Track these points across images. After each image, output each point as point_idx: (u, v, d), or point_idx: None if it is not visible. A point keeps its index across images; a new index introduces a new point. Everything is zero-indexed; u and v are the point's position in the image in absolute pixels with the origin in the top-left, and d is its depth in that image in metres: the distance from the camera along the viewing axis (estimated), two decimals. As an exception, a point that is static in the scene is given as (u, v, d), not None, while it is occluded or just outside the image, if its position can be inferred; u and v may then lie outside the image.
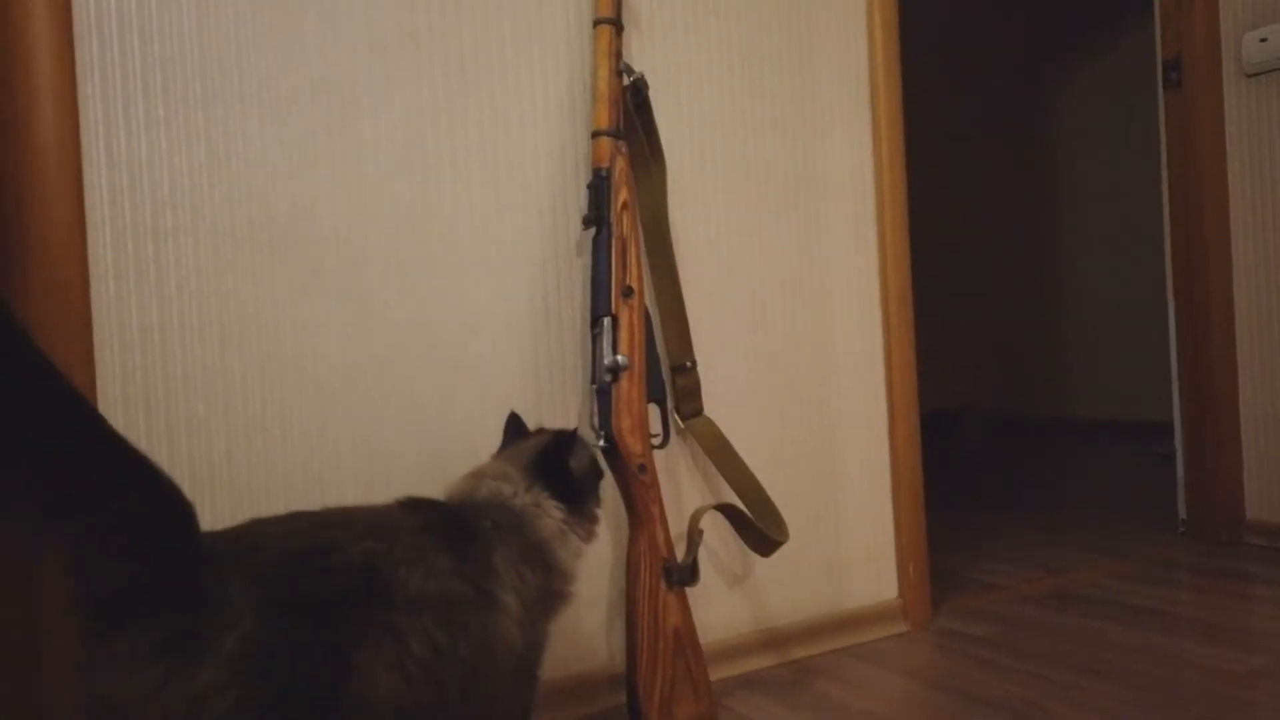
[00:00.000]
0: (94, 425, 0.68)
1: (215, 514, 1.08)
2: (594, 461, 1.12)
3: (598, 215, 1.28)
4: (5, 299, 0.79)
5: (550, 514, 1.01)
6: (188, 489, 0.86)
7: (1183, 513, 2.24)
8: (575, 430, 1.07)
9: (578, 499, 1.05)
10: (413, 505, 0.94)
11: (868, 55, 1.64)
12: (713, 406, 1.44)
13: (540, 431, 1.13)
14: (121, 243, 1.07)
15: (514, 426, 1.14)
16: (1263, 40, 2.01)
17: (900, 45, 1.66)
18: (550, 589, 1.00)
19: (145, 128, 1.09)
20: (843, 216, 1.62)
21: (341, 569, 0.78)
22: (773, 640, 1.51)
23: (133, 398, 1.07)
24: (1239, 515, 2.14)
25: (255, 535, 0.79)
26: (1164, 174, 2.19)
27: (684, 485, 1.44)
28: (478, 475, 1.03)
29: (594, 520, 1.08)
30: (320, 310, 1.18)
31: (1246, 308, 2.10)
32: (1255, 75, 2.04)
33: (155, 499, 0.71)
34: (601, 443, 1.23)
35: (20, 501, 0.66)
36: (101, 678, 0.68)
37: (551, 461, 1.03)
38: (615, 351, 1.25)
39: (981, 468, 3.65)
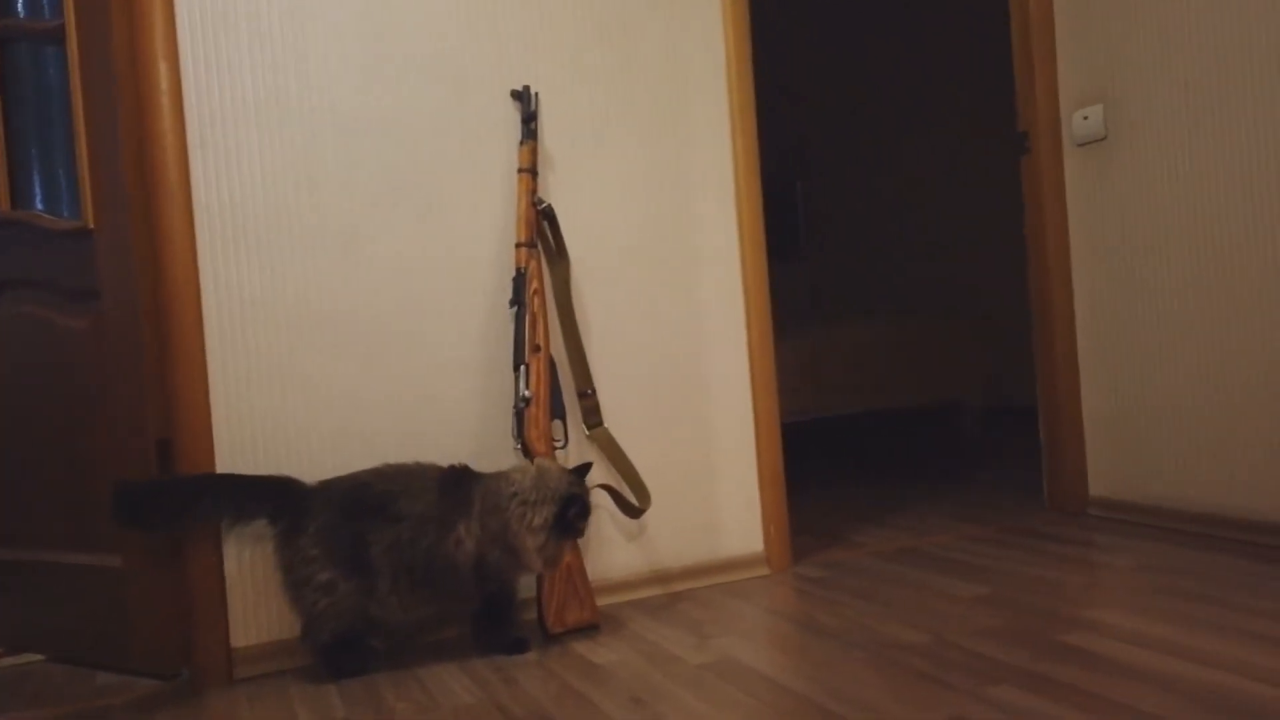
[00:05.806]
0: (233, 478, 1.79)
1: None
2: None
3: (518, 299, 1.99)
4: (167, 438, 1.62)
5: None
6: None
7: (1045, 490, 2.80)
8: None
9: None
10: (449, 468, 1.81)
11: (732, 165, 2.28)
12: (611, 419, 2.13)
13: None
14: (219, 322, 1.84)
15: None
16: (1085, 118, 2.54)
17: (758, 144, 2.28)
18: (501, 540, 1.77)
19: (248, 265, 1.85)
20: (714, 281, 2.27)
21: (369, 497, 1.70)
22: (660, 578, 2.20)
23: (230, 422, 1.84)
24: (1083, 492, 2.69)
25: (331, 482, 1.80)
26: (1026, 219, 2.74)
27: (593, 473, 2.13)
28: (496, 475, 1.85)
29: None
30: (340, 364, 1.93)
31: (1085, 323, 2.64)
32: (1082, 145, 2.57)
33: (270, 487, 1.77)
34: (517, 446, 1.94)
35: (224, 516, 1.79)
36: (277, 548, 1.77)
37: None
38: (526, 388, 1.95)
39: (962, 455, 4.18)
